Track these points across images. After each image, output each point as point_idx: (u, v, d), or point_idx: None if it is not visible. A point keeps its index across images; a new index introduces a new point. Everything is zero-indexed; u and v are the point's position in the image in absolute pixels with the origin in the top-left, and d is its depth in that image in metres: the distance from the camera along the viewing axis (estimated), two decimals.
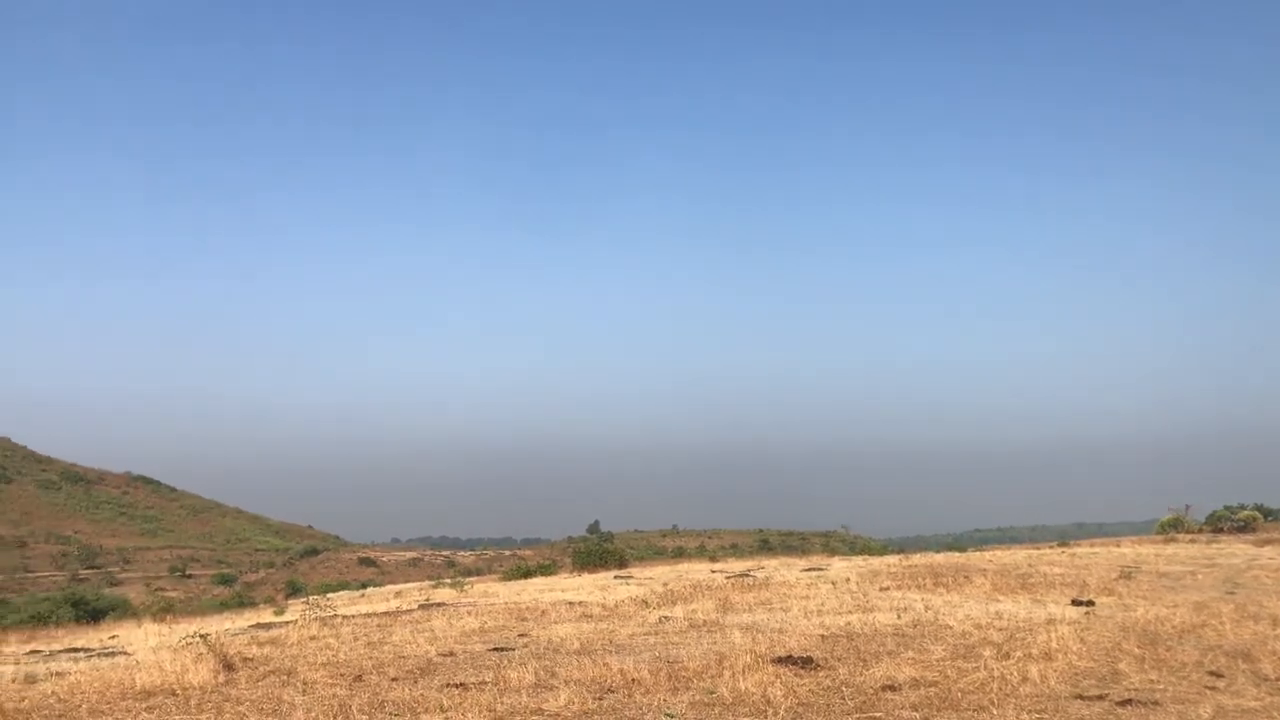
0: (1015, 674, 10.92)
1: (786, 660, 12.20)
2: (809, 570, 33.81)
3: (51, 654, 20.25)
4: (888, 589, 23.59)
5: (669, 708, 9.85)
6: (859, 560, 42.08)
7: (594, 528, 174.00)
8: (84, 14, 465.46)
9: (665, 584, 29.30)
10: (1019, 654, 12.35)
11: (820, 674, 11.41)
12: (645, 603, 22.48)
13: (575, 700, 10.18)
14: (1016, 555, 37.62)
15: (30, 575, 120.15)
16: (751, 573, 33.72)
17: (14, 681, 14.15)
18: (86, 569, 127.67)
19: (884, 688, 10.52)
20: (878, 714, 9.37)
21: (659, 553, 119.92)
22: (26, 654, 20.97)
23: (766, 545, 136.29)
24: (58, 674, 14.74)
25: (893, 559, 40.71)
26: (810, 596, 22.39)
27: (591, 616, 20.04)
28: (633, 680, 11.27)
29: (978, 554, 42.38)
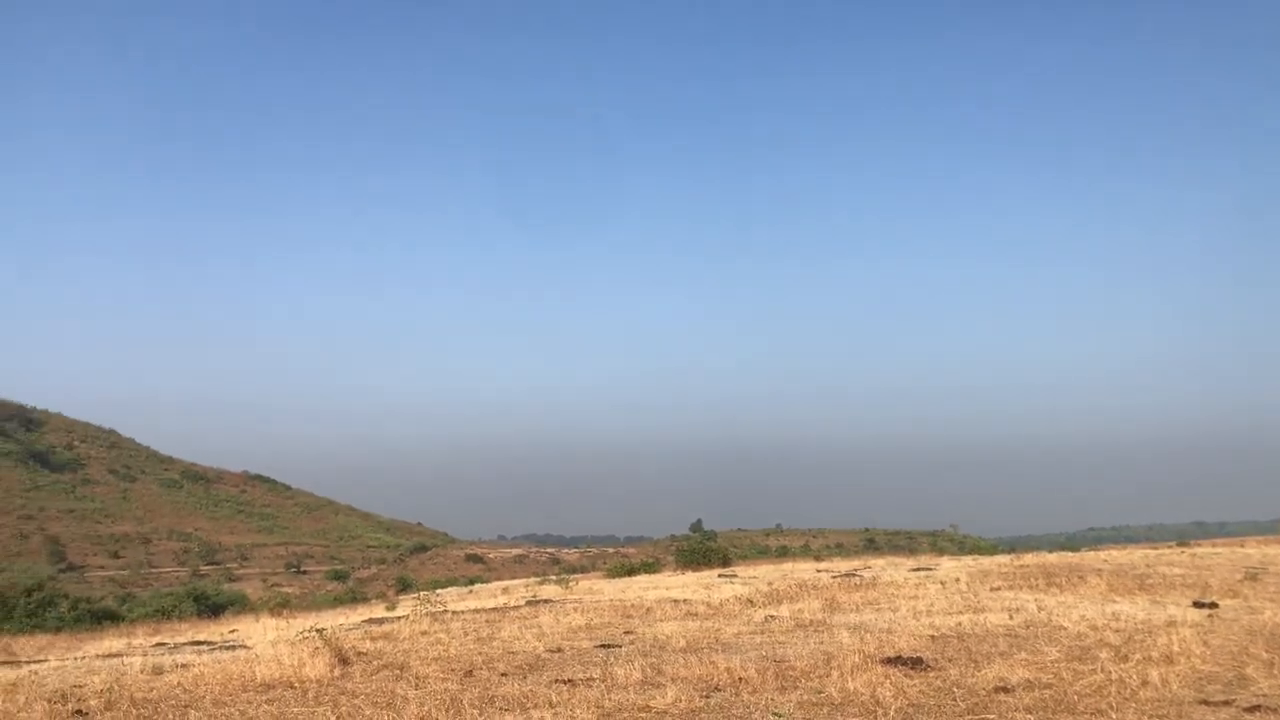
0: (1134, 677, 10.60)
1: (895, 661, 12.04)
2: (917, 570, 33.29)
3: (176, 646, 21.00)
4: (999, 589, 23.11)
5: (777, 707, 9.81)
6: (968, 560, 41.28)
7: (697, 526, 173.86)
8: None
9: (770, 583, 29.12)
10: (1138, 656, 11.98)
11: (930, 675, 11.24)
12: (750, 601, 22.39)
13: (683, 698, 10.19)
14: (1133, 555, 36.46)
15: (154, 570, 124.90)
16: (858, 572, 33.33)
17: (142, 672, 14.72)
18: (207, 565, 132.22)
19: (996, 689, 10.31)
20: (990, 716, 9.18)
21: (762, 552, 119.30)
22: (153, 646, 21.80)
23: (873, 544, 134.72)
24: (182, 666, 15.28)
25: (1003, 558, 39.83)
26: (919, 596, 22.05)
27: (696, 615, 20.04)
28: (740, 679, 11.24)
29: (1092, 553, 41.20)
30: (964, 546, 68.39)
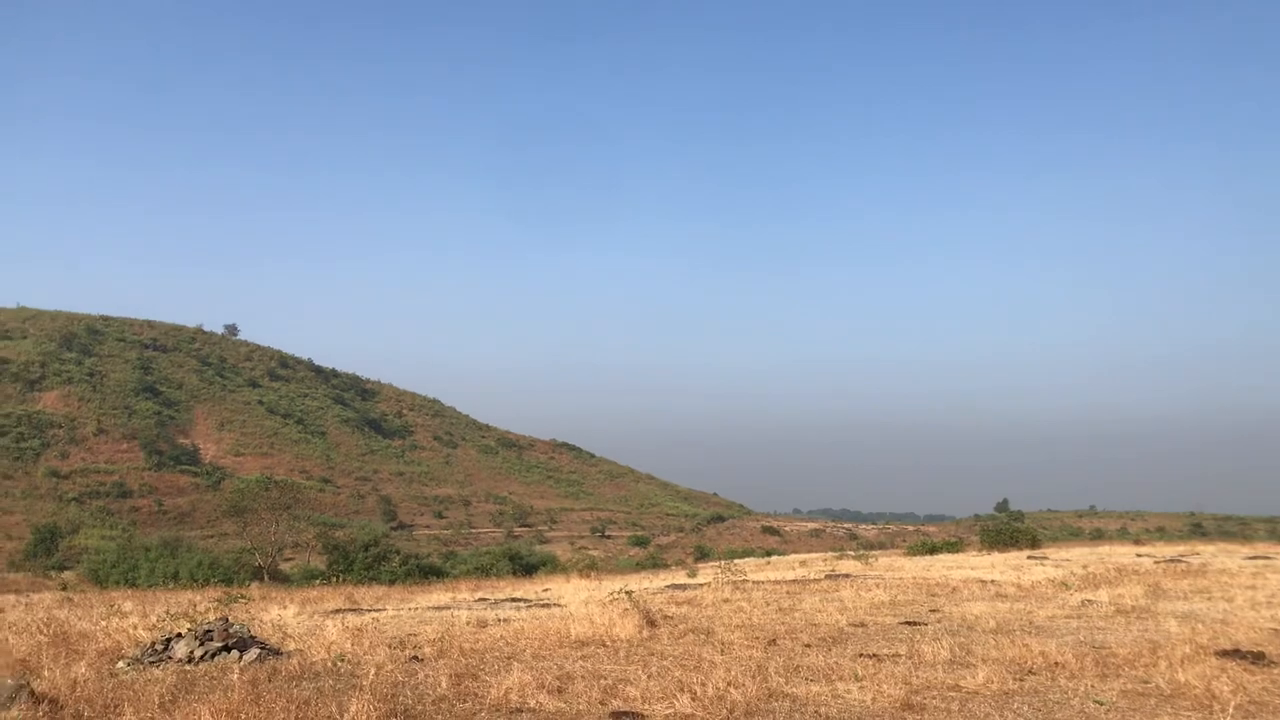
0: None
1: (1232, 654, 11.14)
2: (1253, 558, 30.59)
3: (496, 602, 22.45)
4: None
5: (1098, 694, 9.32)
6: None
7: (1002, 506, 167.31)
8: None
9: (1084, 566, 27.63)
10: None
11: (1275, 671, 10.31)
12: (1064, 585, 21.35)
13: (994, 679, 9.87)
14: None
15: (473, 531, 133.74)
16: (1184, 558, 31.05)
17: (468, 624, 15.91)
18: (520, 527, 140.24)
19: None
20: None
21: (1074, 534, 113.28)
22: (475, 601, 23.40)
23: (1199, 529, 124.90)
24: (503, 620, 16.38)
25: None
26: (1257, 586, 20.28)
27: (1005, 596, 19.33)
28: (1055, 663, 10.77)
29: None
30: None
